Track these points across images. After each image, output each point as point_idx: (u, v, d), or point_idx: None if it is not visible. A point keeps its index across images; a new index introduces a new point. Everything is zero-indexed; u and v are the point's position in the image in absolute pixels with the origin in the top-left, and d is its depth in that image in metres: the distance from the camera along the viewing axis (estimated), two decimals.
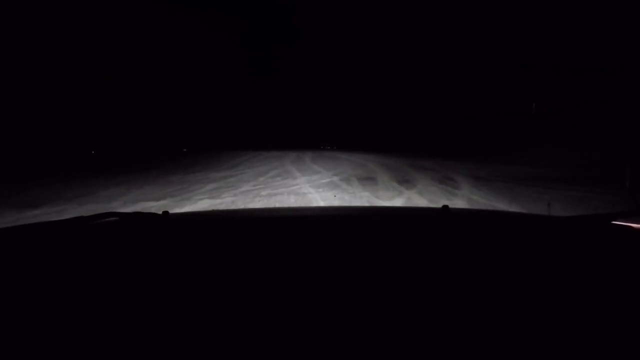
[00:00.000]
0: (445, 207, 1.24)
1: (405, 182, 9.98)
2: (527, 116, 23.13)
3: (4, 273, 0.79)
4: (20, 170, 14.21)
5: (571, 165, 13.03)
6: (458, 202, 7.15)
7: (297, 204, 7.60)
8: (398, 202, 7.40)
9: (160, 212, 1.23)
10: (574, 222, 1.06)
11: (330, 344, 0.54)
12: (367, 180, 10.49)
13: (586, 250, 0.88)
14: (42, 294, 0.69)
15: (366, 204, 7.25)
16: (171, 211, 1.24)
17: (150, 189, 9.29)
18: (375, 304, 0.64)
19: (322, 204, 7.64)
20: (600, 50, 20.77)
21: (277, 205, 7.41)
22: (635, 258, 0.84)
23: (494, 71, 25.92)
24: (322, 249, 0.88)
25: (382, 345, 0.54)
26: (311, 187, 9.25)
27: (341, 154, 23.27)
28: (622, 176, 1.08)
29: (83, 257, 0.87)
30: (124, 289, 0.70)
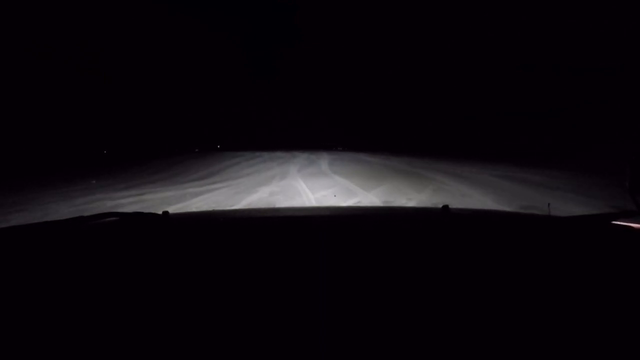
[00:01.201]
0: (445, 207, 1.24)
1: None
2: (527, 116, 23.16)
3: (4, 273, 0.79)
4: None
5: None
6: None
7: None
8: None
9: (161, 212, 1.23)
10: (574, 222, 1.06)
11: (332, 344, 0.54)
12: None
13: (586, 250, 0.88)
14: (43, 294, 0.69)
15: None
16: None
17: None
18: (376, 304, 0.64)
19: None
20: (600, 50, 20.77)
21: None
22: (635, 258, 0.84)
23: (494, 71, 25.92)
24: (323, 249, 0.88)
25: (383, 345, 0.54)
26: None
27: (366, 156, 17.97)
28: (622, 176, 1.08)
29: (83, 257, 0.87)
30: (124, 289, 0.70)
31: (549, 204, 1.43)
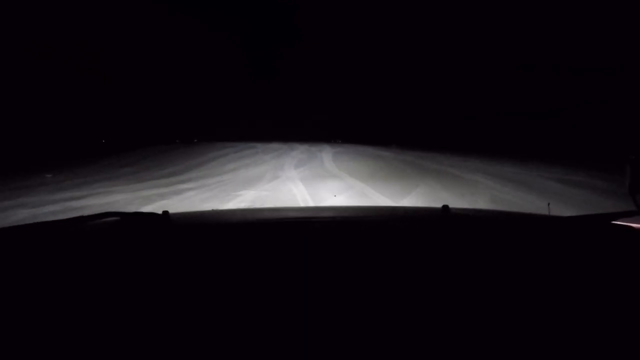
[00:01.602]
0: (445, 207, 1.24)
1: None
2: (527, 116, 23.16)
3: (4, 273, 0.79)
4: None
5: None
6: None
7: None
8: None
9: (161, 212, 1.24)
10: (574, 222, 1.06)
11: (334, 344, 0.54)
12: None
13: (586, 250, 0.88)
14: (43, 294, 0.69)
15: None
16: None
17: None
18: (376, 304, 0.64)
19: None
20: (600, 50, 20.77)
21: None
22: (635, 258, 0.84)
23: (494, 71, 25.91)
24: (323, 249, 0.89)
25: (384, 346, 0.54)
26: None
27: (374, 150, 15.05)
28: (622, 176, 1.08)
29: (83, 257, 0.87)
30: (123, 289, 0.70)
31: (548, 204, 1.42)
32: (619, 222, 1.03)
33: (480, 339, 0.55)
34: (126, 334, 0.57)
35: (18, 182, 8.31)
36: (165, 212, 1.22)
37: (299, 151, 14.96)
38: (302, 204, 6.60)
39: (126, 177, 8.99)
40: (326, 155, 13.46)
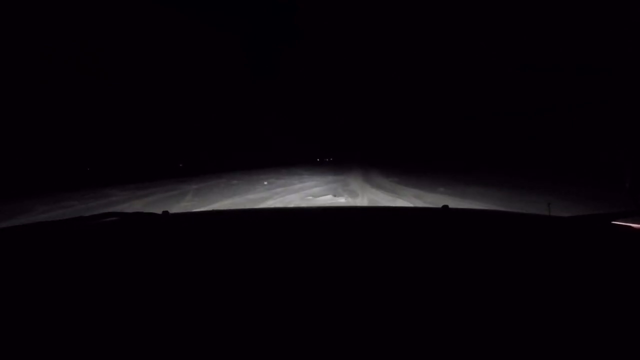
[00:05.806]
0: (445, 207, 1.24)
1: None
2: (527, 116, 23.18)
3: (4, 273, 0.79)
4: None
5: None
6: None
7: None
8: None
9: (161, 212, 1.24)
10: (574, 222, 1.06)
11: (332, 342, 0.54)
12: None
13: (586, 250, 0.88)
14: (43, 294, 0.69)
15: None
16: None
17: None
18: (375, 303, 0.64)
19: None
20: (600, 50, 20.77)
21: None
22: (635, 258, 0.84)
23: (494, 71, 25.93)
24: (323, 248, 0.89)
25: (383, 344, 0.54)
26: None
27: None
28: (622, 176, 1.08)
29: (83, 257, 0.87)
30: (124, 289, 0.70)
31: (549, 204, 1.42)
32: (619, 222, 1.03)
33: (480, 339, 0.55)
34: (126, 333, 0.57)
35: None
36: (165, 212, 1.22)
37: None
38: None
39: None
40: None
